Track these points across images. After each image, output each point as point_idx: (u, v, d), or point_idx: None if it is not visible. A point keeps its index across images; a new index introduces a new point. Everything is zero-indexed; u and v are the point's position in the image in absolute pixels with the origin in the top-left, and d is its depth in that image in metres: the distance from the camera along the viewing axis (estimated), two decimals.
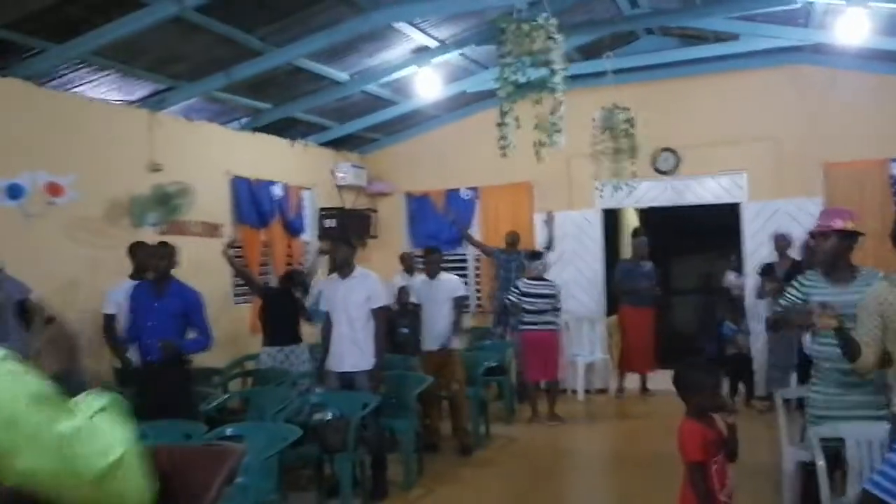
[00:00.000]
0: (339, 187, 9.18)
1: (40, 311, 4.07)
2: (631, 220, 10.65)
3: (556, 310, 7.33)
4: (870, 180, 7.64)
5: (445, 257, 8.70)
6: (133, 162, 6.43)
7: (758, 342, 7.86)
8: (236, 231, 7.52)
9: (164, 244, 5.06)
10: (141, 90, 6.51)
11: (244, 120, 7.79)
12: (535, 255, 7.60)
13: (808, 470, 4.04)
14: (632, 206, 9.37)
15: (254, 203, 7.73)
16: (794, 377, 6.31)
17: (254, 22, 5.87)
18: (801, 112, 8.05)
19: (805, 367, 4.31)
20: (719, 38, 7.75)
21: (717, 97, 8.36)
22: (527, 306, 7.23)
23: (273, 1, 5.67)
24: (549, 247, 8.46)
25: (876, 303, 2.97)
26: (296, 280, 6.61)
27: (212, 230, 7.10)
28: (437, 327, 6.39)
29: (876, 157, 7.72)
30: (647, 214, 10.33)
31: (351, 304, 5.39)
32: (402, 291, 7.46)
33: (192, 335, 5.00)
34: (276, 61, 6.42)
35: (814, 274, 3.76)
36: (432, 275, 6.53)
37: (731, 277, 7.89)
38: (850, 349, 3.04)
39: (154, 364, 4.81)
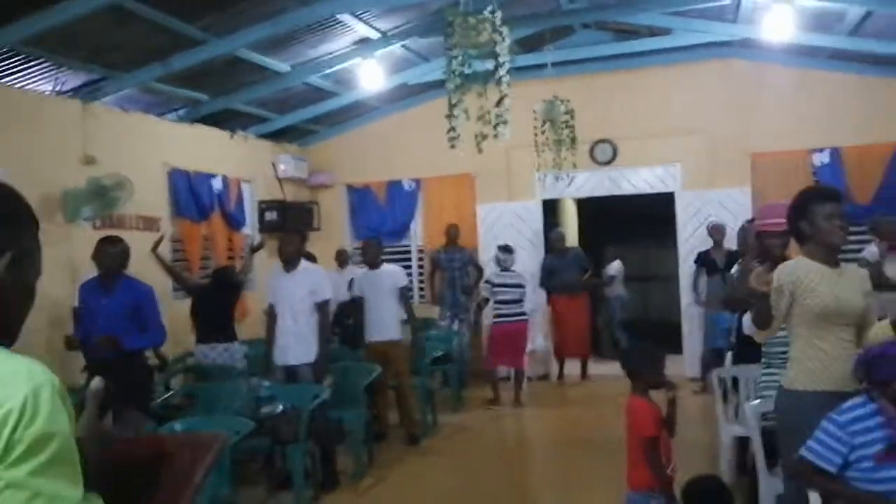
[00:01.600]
0: (280, 179, 9.08)
1: None
2: (569, 211, 10.87)
3: (524, 300, 7.66)
4: (794, 170, 8.00)
5: (389, 249, 8.79)
6: (66, 155, 6.22)
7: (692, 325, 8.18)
8: (175, 224, 7.38)
9: (109, 240, 4.93)
10: (74, 80, 6.31)
11: (182, 111, 7.64)
12: (507, 249, 7.79)
13: (742, 445, 4.27)
14: (571, 196, 9.57)
15: (193, 196, 7.59)
16: (728, 358, 6.57)
17: (193, 11, 5.76)
18: (731, 104, 8.36)
19: (742, 347, 4.52)
20: (653, 32, 7.99)
21: (652, 90, 8.61)
22: (501, 297, 7.45)
23: None
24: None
25: (791, 277, 3.09)
26: (226, 277, 6.46)
27: (150, 224, 6.95)
28: (380, 318, 6.43)
29: (800, 148, 8.10)
30: (584, 204, 10.57)
31: (296, 297, 5.40)
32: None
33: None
34: (215, 51, 6.32)
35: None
36: (373, 266, 6.55)
37: (611, 271, 8.05)
38: (765, 316, 3.15)
39: (105, 360, 4.70)
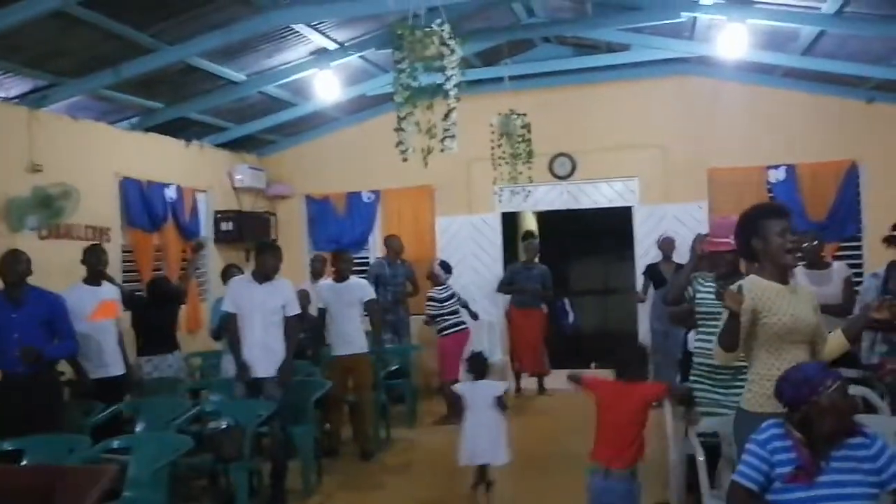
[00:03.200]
0: (237, 189, 8.97)
1: None
2: (530, 224, 10.88)
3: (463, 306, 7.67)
4: (748, 186, 8.09)
5: (352, 261, 8.68)
6: (10, 162, 6.05)
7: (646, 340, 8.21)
8: (126, 234, 7.21)
9: (15, 251, 4.80)
10: (20, 86, 6.15)
11: (135, 119, 7.49)
12: (447, 266, 7.74)
13: (693, 463, 4.25)
14: (530, 209, 9.59)
15: (145, 205, 7.43)
16: (678, 374, 6.59)
17: (145, 18, 5.64)
18: (688, 120, 8.45)
19: (688, 363, 4.52)
20: (611, 48, 8.04)
21: (610, 105, 8.67)
22: (446, 309, 7.41)
23: None
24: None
25: (749, 297, 3.06)
26: (160, 287, 6.30)
27: (99, 234, 6.78)
28: (347, 331, 6.33)
29: (755, 165, 8.20)
30: (544, 218, 10.58)
31: (268, 309, 5.30)
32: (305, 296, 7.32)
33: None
34: (168, 59, 6.21)
35: (708, 278, 4.01)
36: (342, 278, 6.46)
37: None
38: (734, 337, 3.13)
39: (21, 376, 4.56)
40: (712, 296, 3.94)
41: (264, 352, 5.27)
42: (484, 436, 4.95)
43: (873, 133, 7.93)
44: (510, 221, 9.68)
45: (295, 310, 5.43)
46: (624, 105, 8.63)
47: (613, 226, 9.21)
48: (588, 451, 3.94)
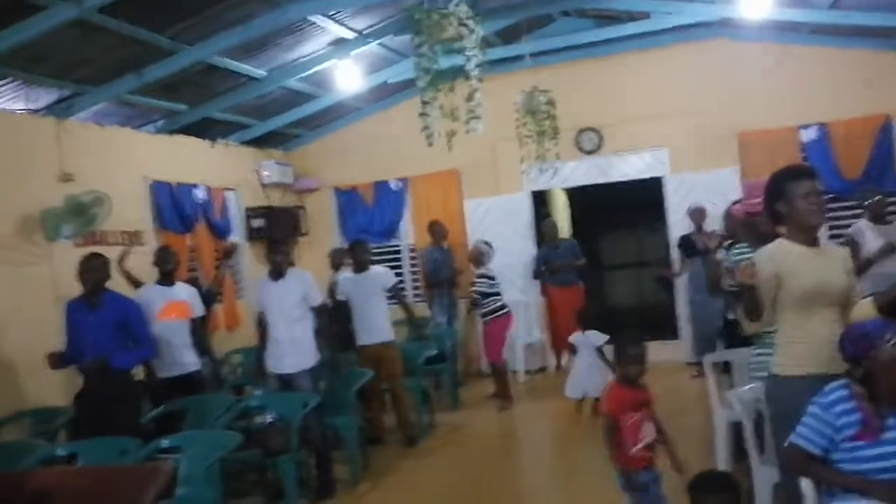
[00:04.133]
0: (265, 186, 9.02)
1: None
2: (561, 200, 10.80)
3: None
4: (781, 147, 7.90)
5: (378, 250, 8.73)
6: (42, 173, 6.14)
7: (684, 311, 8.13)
8: (159, 237, 7.30)
9: (94, 255, 4.89)
10: (46, 97, 6.23)
11: (160, 122, 7.56)
12: (489, 245, 7.69)
13: (738, 431, 4.20)
14: (559, 186, 9.50)
15: (176, 208, 7.51)
16: (720, 343, 6.52)
17: (162, 21, 5.68)
18: (715, 85, 8.28)
19: (730, 331, 4.46)
20: (633, 17, 7.90)
21: (634, 75, 8.52)
22: (495, 289, 7.34)
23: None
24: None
25: (772, 263, 3.03)
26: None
27: (134, 238, 6.87)
28: (370, 320, 6.35)
29: (786, 125, 8.02)
30: (574, 194, 10.50)
31: (287, 304, 5.34)
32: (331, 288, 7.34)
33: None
34: (188, 60, 6.24)
35: (743, 247, 3.95)
36: (360, 268, 6.47)
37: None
38: (751, 306, 3.09)
39: (96, 380, 4.68)
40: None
41: (292, 346, 5.32)
42: (586, 375, 6.53)
43: None
44: (540, 200, 9.61)
45: (316, 300, 5.45)
46: (648, 74, 8.49)
47: (645, 198, 9.09)
48: None
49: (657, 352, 8.29)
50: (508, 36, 8.06)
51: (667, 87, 8.43)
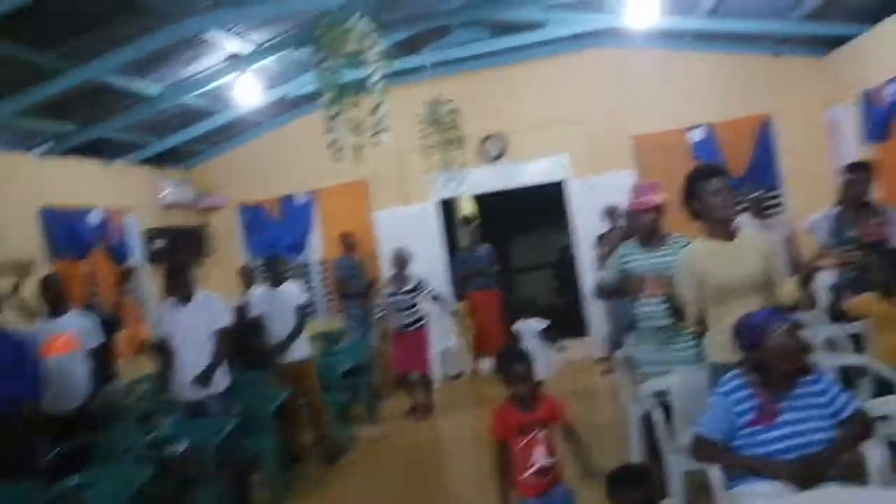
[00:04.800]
0: (166, 206, 8.74)
1: None
2: (469, 209, 10.95)
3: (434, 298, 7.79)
4: (672, 149, 8.32)
5: (287, 265, 8.59)
6: None
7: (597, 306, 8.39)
8: (52, 266, 6.94)
9: None
10: None
11: (49, 145, 7.20)
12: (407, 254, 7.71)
13: (648, 422, 4.39)
14: (466, 194, 9.64)
15: (69, 234, 7.14)
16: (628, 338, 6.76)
17: (47, 39, 5.42)
18: (609, 91, 8.62)
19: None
20: (528, 27, 8.12)
21: (533, 83, 8.77)
22: (411, 302, 7.42)
23: (69, 16, 5.25)
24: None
25: (690, 263, 3.27)
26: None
27: (22, 268, 6.49)
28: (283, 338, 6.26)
29: (676, 128, 8.43)
30: (482, 201, 10.67)
31: (195, 329, 5.20)
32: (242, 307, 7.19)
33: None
34: (77, 79, 5.97)
35: (629, 243, 4.15)
36: (275, 284, 6.38)
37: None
38: (676, 311, 3.33)
39: None
40: (638, 259, 4.07)
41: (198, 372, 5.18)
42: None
43: (782, 86, 8.25)
44: (449, 208, 9.74)
45: (222, 323, 5.33)
46: (547, 82, 8.74)
47: (551, 201, 9.34)
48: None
49: (568, 350, 8.59)
50: (409, 47, 8.13)
51: (564, 94, 8.70)
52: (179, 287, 5.25)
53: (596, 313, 8.59)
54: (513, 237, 12.15)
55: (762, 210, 6.44)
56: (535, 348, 6.90)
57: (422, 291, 7.48)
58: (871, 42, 6.94)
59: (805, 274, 3.50)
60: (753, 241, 3.37)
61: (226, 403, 5.23)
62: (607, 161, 8.53)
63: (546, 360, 6.89)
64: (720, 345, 3.18)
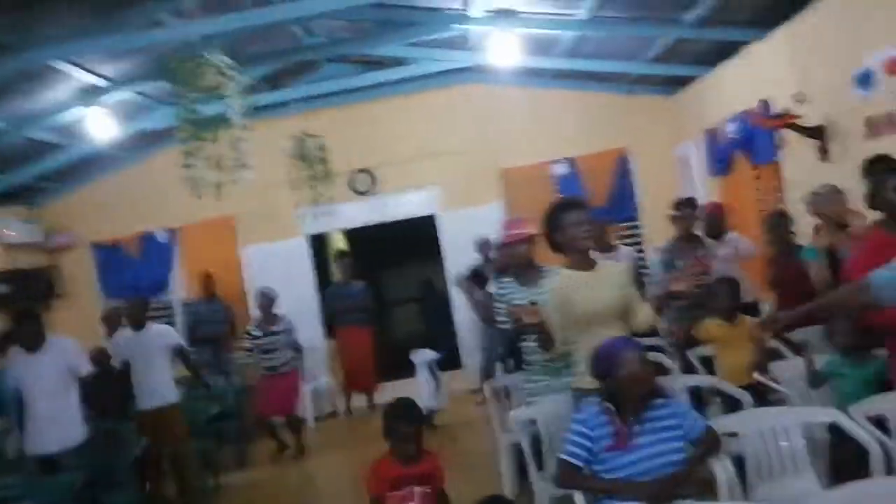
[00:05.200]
0: (10, 246, 8.09)
1: None
2: (340, 244, 10.85)
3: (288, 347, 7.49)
4: (537, 182, 8.61)
5: (149, 306, 8.16)
6: None
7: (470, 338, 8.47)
8: None
9: None
10: None
11: None
12: (272, 293, 7.50)
13: (519, 450, 4.45)
14: (336, 228, 9.55)
15: None
16: (499, 367, 6.86)
17: None
18: (477, 126, 8.83)
19: (514, 357, 4.72)
20: (395, 63, 8.22)
21: (403, 117, 8.85)
22: (278, 344, 7.25)
23: None
24: None
25: (555, 295, 3.37)
26: None
27: None
28: (152, 382, 5.90)
29: (541, 161, 8.75)
30: (354, 235, 10.60)
31: (46, 378, 4.85)
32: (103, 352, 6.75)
33: None
34: None
35: (506, 279, 4.21)
36: (138, 326, 6.02)
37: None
38: (544, 340, 3.37)
39: None
40: (517, 296, 4.12)
41: (54, 423, 4.85)
42: (424, 389, 7.19)
43: (636, 123, 8.75)
44: (320, 243, 9.61)
45: (84, 368, 5.05)
46: (416, 116, 8.85)
47: (423, 234, 9.41)
48: None
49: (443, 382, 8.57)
50: (275, 81, 8.02)
51: (433, 129, 8.85)
52: (28, 334, 4.89)
53: (468, 345, 8.68)
54: (386, 271, 12.14)
55: (604, 242, 6.53)
56: (428, 378, 7.10)
57: (289, 335, 7.31)
58: (712, 83, 7.50)
59: (659, 302, 3.68)
60: (611, 270, 3.53)
61: (81, 457, 4.86)
62: (477, 194, 8.71)
63: (437, 391, 7.18)
64: (582, 373, 3.28)
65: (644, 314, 3.51)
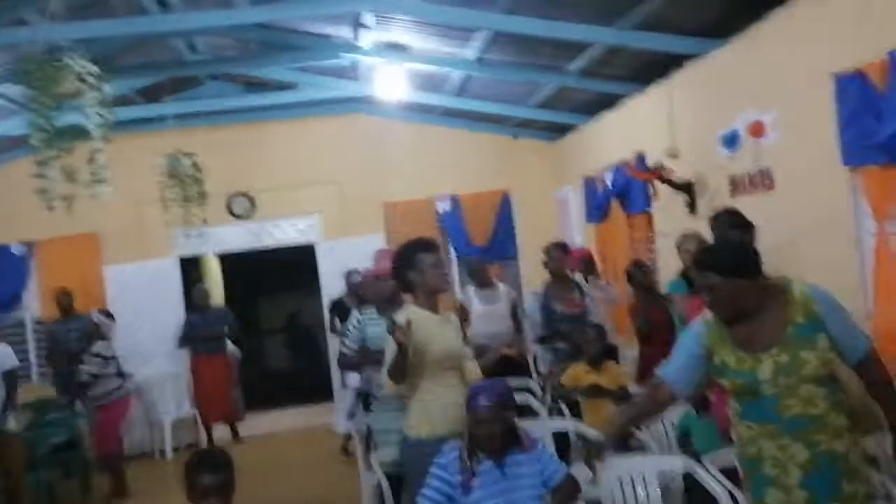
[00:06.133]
0: None
1: None
2: (213, 268, 10.42)
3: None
4: (420, 216, 8.62)
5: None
6: None
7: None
8: None
9: None
10: None
11: None
12: (110, 315, 7.03)
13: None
14: (210, 252, 9.16)
15: None
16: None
17: None
18: (361, 157, 8.75)
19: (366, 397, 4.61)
20: (282, 86, 8.05)
21: (287, 142, 8.66)
22: (111, 369, 6.73)
23: None
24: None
25: (412, 330, 3.24)
26: None
27: None
28: None
29: (424, 197, 8.76)
30: (229, 260, 10.22)
31: None
32: None
33: None
34: None
35: (368, 310, 4.12)
36: None
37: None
38: (403, 368, 3.25)
39: None
40: (374, 324, 4.06)
41: None
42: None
43: (519, 165, 8.95)
44: (194, 266, 9.18)
45: None
46: (299, 143, 8.68)
47: (301, 262, 9.18)
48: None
49: (312, 416, 8.35)
50: (152, 95, 7.66)
51: (316, 156, 8.70)
52: None
53: (337, 379, 8.49)
54: (262, 298, 11.76)
55: (484, 280, 6.52)
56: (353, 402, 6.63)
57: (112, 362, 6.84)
58: (592, 132, 7.77)
59: (488, 364, 3.73)
60: (451, 319, 3.55)
61: None
62: (358, 225, 8.60)
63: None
64: (432, 417, 3.21)
65: (475, 374, 3.47)
